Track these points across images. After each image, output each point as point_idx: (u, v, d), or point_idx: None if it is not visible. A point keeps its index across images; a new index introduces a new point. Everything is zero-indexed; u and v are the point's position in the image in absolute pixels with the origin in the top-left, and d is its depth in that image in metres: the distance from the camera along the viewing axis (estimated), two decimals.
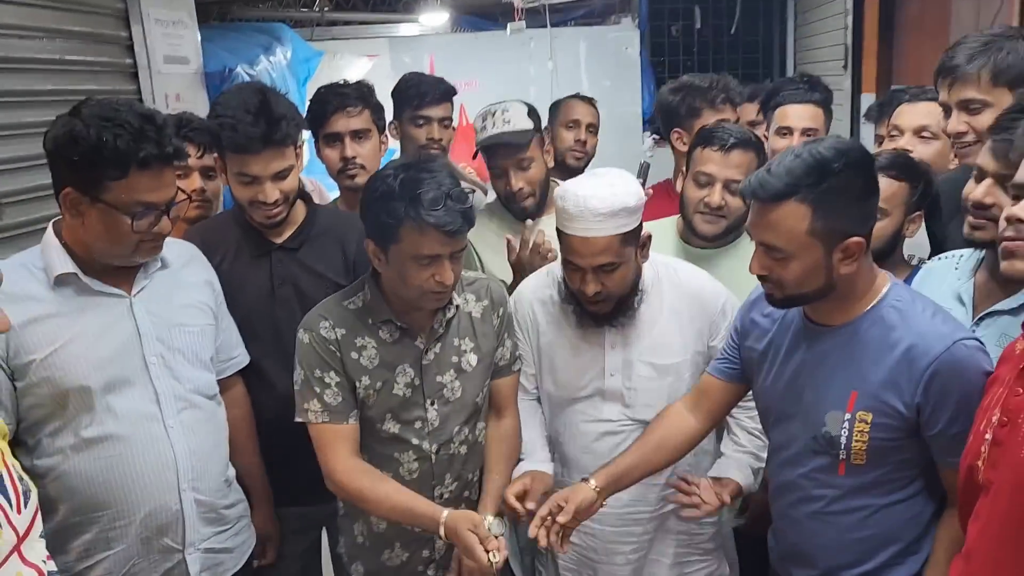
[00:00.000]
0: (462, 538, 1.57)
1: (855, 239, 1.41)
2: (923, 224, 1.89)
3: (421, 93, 2.62)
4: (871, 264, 1.50)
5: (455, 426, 1.78)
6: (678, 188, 2.21)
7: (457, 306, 1.77)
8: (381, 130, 2.38)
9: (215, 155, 2.00)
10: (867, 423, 1.44)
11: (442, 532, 1.60)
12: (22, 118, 2.45)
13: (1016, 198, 1.24)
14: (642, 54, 5.51)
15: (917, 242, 1.91)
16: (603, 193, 1.66)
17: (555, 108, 3.01)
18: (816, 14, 5.03)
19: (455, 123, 2.76)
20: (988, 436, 1.23)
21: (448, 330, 1.77)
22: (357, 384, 1.71)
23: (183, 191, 1.69)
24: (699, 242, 2.11)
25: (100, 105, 1.54)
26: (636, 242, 1.74)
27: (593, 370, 1.84)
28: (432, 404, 1.75)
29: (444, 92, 2.70)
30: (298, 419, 1.73)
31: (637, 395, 1.83)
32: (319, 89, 2.37)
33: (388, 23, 5.53)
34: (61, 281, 1.58)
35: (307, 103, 4.33)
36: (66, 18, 2.62)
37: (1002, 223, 1.28)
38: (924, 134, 2.11)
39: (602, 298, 1.74)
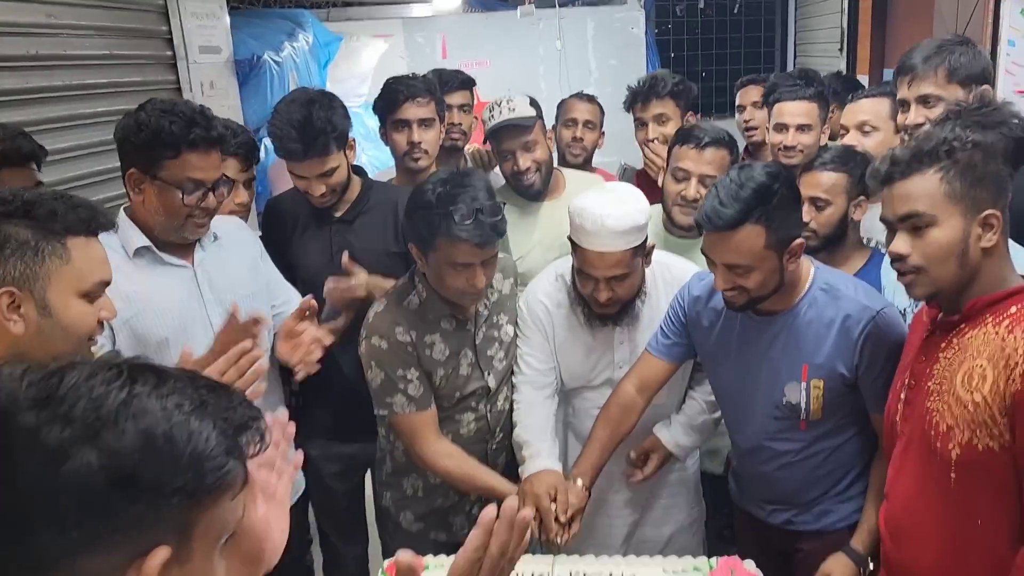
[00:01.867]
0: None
1: (798, 240, 1.68)
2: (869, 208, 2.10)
3: (442, 82, 2.82)
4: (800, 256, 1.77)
5: (503, 388, 2.06)
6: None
7: (498, 291, 2.03)
8: (442, 120, 2.60)
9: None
10: (820, 388, 1.72)
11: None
12: (77, 109, 2.69)
13: (890, 232, 1.43)
14: (648, 33, 5.67)
15: (874, 227, 2.13)
16: (617, 212, 1.81)
17: (560, 107, 3.20)
18: None
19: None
20: (902, 396, 1.49)
21: (491, 310, 2.03)
22: (434, 375, 1.95)
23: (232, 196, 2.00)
24: (679, 232, 2.32)
25: (161, 101, 1.82)
26: (643, 252, 1.92)
27: (604, 362, 2.06)
28: (488, 375, 2.02)
29: (463, 81, 2.94)
30: (380, 412, 1.96)
31: None
32: (390, 79, 2.58)
33: (401, 3, 5.70)
34: (139, 254, 1.83)
35: (327, 84, 4.59)
36: (113, 16, 2.85)
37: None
38: (865, 128, 2.32)
39: (612, 303, 1.94)
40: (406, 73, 2.64)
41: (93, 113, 2.75)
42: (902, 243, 1.39)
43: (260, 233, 2.47)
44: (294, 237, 2.26)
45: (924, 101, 1.95)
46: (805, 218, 2.00)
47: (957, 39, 1.99)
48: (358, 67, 5.12)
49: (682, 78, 2.90)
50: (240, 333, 1.58)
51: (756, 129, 3.12)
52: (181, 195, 1.76)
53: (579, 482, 1.88)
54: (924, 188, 1.35)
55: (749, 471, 1.96)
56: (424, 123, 2.49)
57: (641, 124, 2.85)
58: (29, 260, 1.23)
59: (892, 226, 1.41)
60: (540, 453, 1.95)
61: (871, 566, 1.70)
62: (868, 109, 2.29)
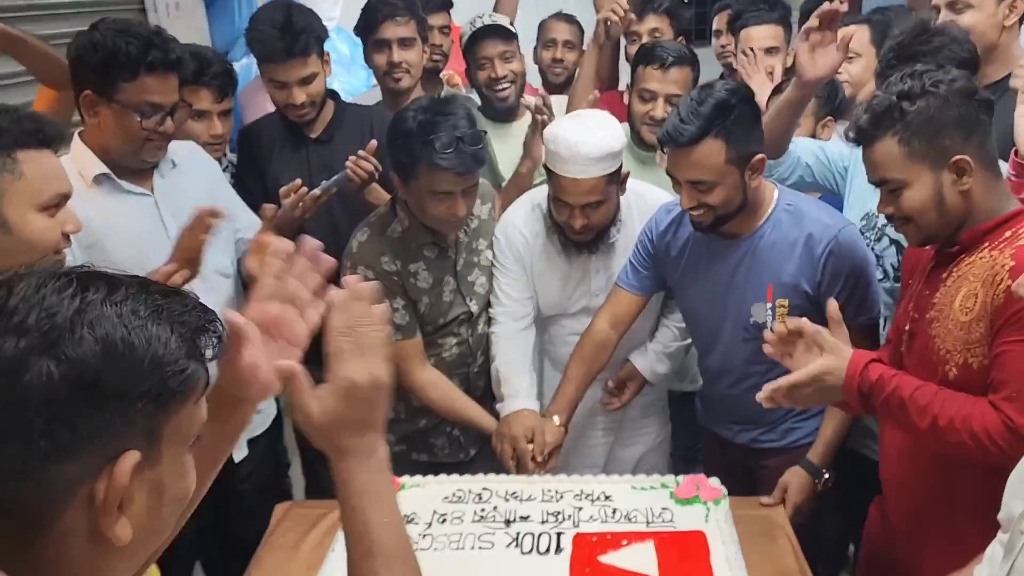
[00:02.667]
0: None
1: (759, 156, 1.71)
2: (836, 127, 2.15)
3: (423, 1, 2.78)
4: (763, 179, 1.80)
5: (484, 313, 2.09)
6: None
7: (476, 216, 2.04)
8: (424, 40, 2.54)
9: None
10: (785, 307, 1.77)
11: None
12: (37, 31, 2.58)
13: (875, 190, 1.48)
14: None
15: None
16: (591, 139, 1.82)
17: (539, 28, 3.17)
18: None
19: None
20: (907, 327, 1.53)
21: (471, 236, 2.05)
22: (419, 303, 1.98)
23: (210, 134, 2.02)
24: (644, 151, 2.37)
25: (115, 21, 1.78)
26: (617, 180, 1.93)
27: (580, 291, 2.10)
28: (471, 300, 2.05)
29: (442, 3, 2.90)
30: None
31: None
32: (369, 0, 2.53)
33: None
34: (98, 181, 1.81)
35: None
36: None
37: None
38: (848, 55, 2.33)
39: (587, 230, 1.95)
40: None
41: (55, 34, 2.64)
42: (884, 203, 1.44)
43: (234, 159, 2.45)
44: (271, 160, 2.26)
45: (953, 6, 1.95)
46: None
47: None
48: None
49: None
50: (198, 231, 1.61)
51: (732, 55, 3.11)
52: (139, 119, 1.74)
53: (556, 419, 1.93)
54: (886, 155, 1.39)
55: (717, 393, 2.02)
56: (404, 42, 2.44)
57: (634, 38, 2.84)
58: None
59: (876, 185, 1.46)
60: (519, 392, 1.98)
61: (826, 475, 1.78)
62: (853, 35, 2.29)
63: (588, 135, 1.84)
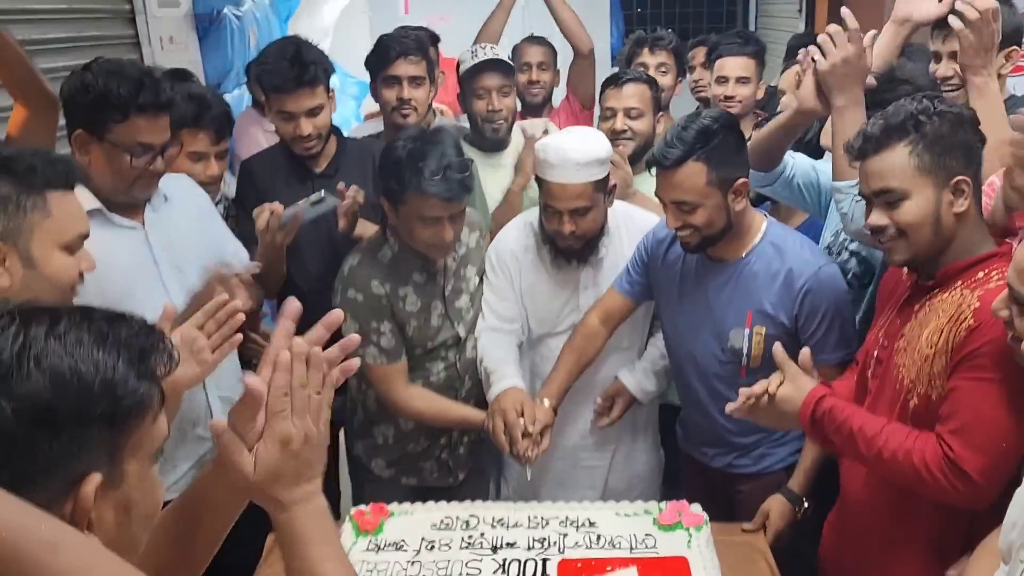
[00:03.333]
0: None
1: (741, 180, 1.79)
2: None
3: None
4: (750, 206, 1.88)
5: (471, 338, 2.15)
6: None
7: (465, 244, 2.11)
8: (432, 81, 2.62)
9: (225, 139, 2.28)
10: (762, 335, 1.84)
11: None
12: (37, 64, 2.65)
13: (869, 206, 1.51)
14: None
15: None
16: (579, 146, 1.94)
17: (513, 52, 3.27)
18: None
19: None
20: (875, 354, 1.59)
21: (459, 263, 2.11)
22: (406, 327, 2.04)
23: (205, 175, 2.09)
24: None
25: (108, 62, 1.81)
26: (605, 189, 2.02)
27: (569, 307, 2.16)
28: (458, 324, 2.11)
29: (428, 38, 2.95)
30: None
31: None
32: (383, 36, 2.61)
33: None
34: (90, 215, 1.82)
35: (287, 35, 4.52)
36: None
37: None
38: None
39: (576, 237, 2.02)
40: (398, 28, 2.69)
41: (52, 68, 2.67)
42: (878, 216, 1.47)
43: (233, 195, 2.48)
44: (275, 194, 2.25)
45: (954, 56, 1.99)
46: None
47: None
48: (319, 21, 5.05)
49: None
50: (217, 290, 1.64)
51: (705, 87, 3.23)
52: (129, 158, 1.77)
53: (546, 402, 2.00)
54: (895, 163, 1.42)
55: (693, 416, 2.07)
56: (414, 81, 2.52)
57: (641, 68, 2.97)
58: (12, 214, 1.25)
59: (869, 200, 1.50)
60: (505, 375, 2.04)
61: (806, 504, 1.83)
62: None
63: (575, 143, 1.96)
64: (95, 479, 0.68)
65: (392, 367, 2.04)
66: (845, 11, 1.75)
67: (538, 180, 2.04)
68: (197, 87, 2.34)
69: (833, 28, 1.73)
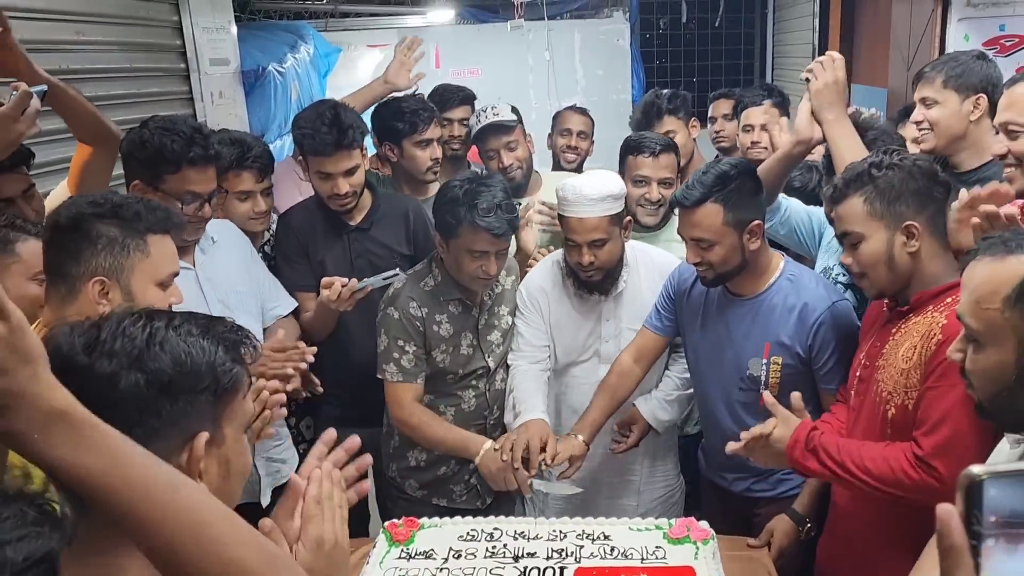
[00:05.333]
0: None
1: (756, 222, 1.95)
2: None
3: (444, 99, 3.07)
4: (767, 246, 2.03)
5: (500, 370, 2.32)
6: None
7: (501, 284, 2.30)
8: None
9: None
10: (779, 364, 1.98)
11: (477, 461, 2.12)
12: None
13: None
14: (632, 45, 5.93)
15: None
16: (593, 183, 2.15)
17: (555, 118, 3.49)
18: (790, 12, 5.49)
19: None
20: (858, 373, 1.75)
21: (494, 301, 2.29)
22: (436, 351, 2.20)
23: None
24: (642, 229, 2.59)
25: (162, 119, 1.99)
26: (620, 223, 2.20)
27: (592, 337, 2.31)
28: (488, 356, 2.28)
29: (464, 97, 3.17)
30: (378, 376, 2.21)
31: None
32: (404, 104, 2.79)
33: (396, 15, 5.94)
34: None
35: (326, 93, 4.80)
36: (133, 31, 3.09)
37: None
38: None
39: (595, 268, 2.18)
40: (425, 89, 2.92)
41: (116, 122, 2.95)
42: (846, 255, 1.70)
43: (271, 243, 2.67)
44: (313, 247, 2.46)
45: (924, 102, 2.19)
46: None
47: (974, 53, 2.25)
48: (356, 76, 5.34)
49: (674, 92, 3.23)
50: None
51: (726, 138, 3.41)
52: (181, 206, 1.95)
53: (579, 437, 2.14)
54: (852, 211, 1.64)
55: (715, 443, 2.18)
56: (440, 141, 2.78)
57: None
58: (117, 254, 1.46)
59: (841, 242, 1.71)
60: (535, 408, 2.17)
61: (809, 525, 1.95)
62: None
63: (590, 181, 2.18)
64: (204, 436, 0.88)
65: (405, 385, 2.20)
66: (833, 54, 2.05)
67: (560, 218, 2.22)
68: (237, 133, 2.53)
69: (824, 56, 2.02)
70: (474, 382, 2.28)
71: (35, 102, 1.62)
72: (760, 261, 2.01)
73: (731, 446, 1.78)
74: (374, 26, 5.87)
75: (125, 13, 3.05)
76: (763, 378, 2.00)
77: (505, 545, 1.90)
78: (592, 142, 3.48)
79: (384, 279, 2.23)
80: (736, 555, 1.89)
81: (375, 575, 1.82)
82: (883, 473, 1.54)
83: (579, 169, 3.36)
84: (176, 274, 1.57)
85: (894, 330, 1.65)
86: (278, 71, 4.08)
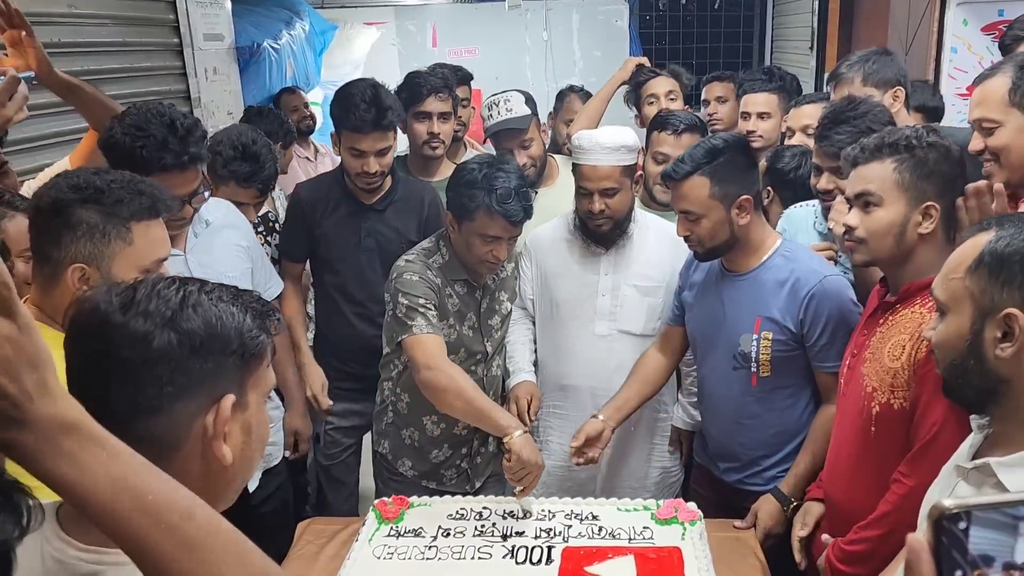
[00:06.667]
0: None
1: (744, 197, 1.94)
2: None
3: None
4: (763, 221, 2.03)
5: (496, 357, 2.32)
6: None
7: (504, 269, 2.30)
8: (456, 115, 2.81)
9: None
10: (769, 340, 1.96)
11: (509, 441, 1.92)
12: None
13: (848, 207, 1.70)
14: (631, 26, 5.90)
15: None
16: (608, 133, 2.21)
17: (559, 100, 3.46)
18: None
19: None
20: (847, 362, 1.75)
21: (496, 286, 2.29)
22: (443, 323, 2.16)
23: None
24: (656, 206, 2.62)
25: (138, 114, 1.86)
26: (632, 176, 2.23)
27: (589, 290, 2.31)
28: (488, 340, 2.28)
29: (461, 77, 3.16)
30: (401, 338, 2.08)
31: (622, 311, 2.32)
32: (414, 73, 2.78)
33: None
34: None
35: (321, 71, 4.75)
36: (126, 5, 3.05)
37: (840, 227, 1.73)
38: (808, 131, 2.57)
39: (605, 217, 2.21)
40: (423, 67, 2.88)
41: (109, 96, 2.94)
42: (853, 217, 1.63)
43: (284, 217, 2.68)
44: (324, 220, 2.45)
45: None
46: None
47: (879, 50, 2.28)
48: (352, 54, 5.33)
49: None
50: None
51: (720, 121, 3.39)
52: None
53: (600, 416, 2.13)
54: (879, 173, 1.59)
55: (711, 430, 2.19)
56: (443, 116, 2.71)
57: (651, 100, 3.16)
58: (97, 241, 1.43)
59: (850, 202, 1.66)
60: (520, 370, 2.30)
61: (794, 504, 1.95)
62: (810, 113, 2.57)
63: (606, 130, 2.25)
64: (231, 399, 0.90)
65: (436, 337, 2.09)
66: None
67: (573, 167, 2.26)
68: (254, 144, 2.46)
69: None
70: (473, 367, 2.27)
71: (23, 87, 1.61)
72: (753, 237, 2.00)
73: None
74: (371, 3, 5.84)
75: None
76: (754, 354, 1.98)
77: (494, 524, 1.91)
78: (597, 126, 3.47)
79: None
80: (723, 536, 1.91)
81: (365, 552, 1.83)
82: (895, 513, 1.55)
83: None
84: (164, 259, 1.54)
85: (881, 321, 1.64)
86: (273, 48, 4.04)
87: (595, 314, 2.33)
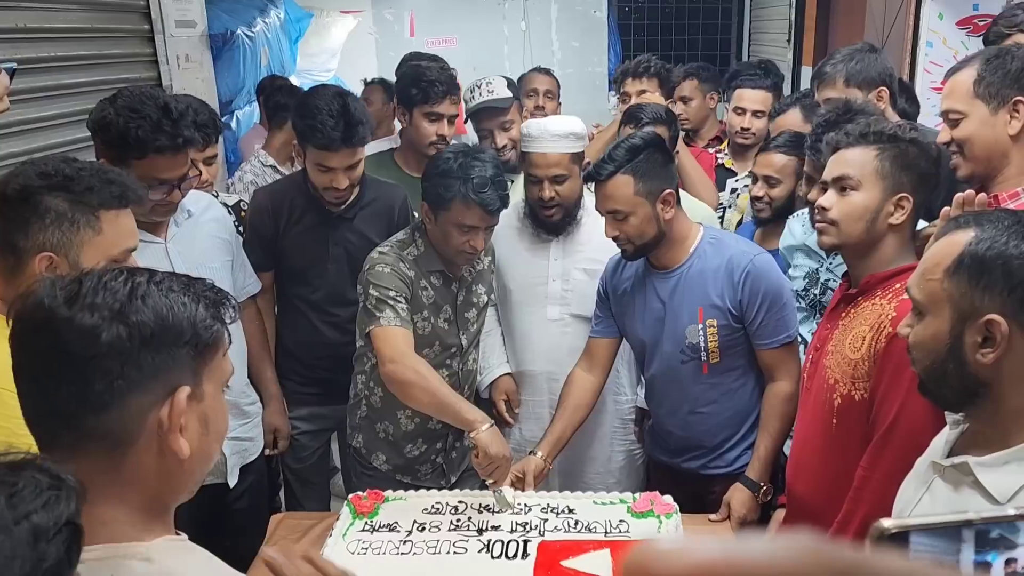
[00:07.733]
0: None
1: (667, 191, 1.97)
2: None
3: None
4: (684, 214, 2.06)
5: (472, 350, 2.30)
6: None
7: (481, 263, 2.28)
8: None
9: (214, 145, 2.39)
10: (714, 327, 2.00)
11: (475, 436, 1.89)
12: (61, 80, 2.83)
13: (822, 190, 1.72)
14: (609, 17, 5.87)
15: None
16: (556, 121, 2.28)
17: (519, 80, 3.44)
18: None
19: None
20: (810, 356, 1.75)
21: (472, 279, 2.27)
22: (417, 316, 2.12)
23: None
24: None
25: (131, 96, 1.85)
26: (580, 163, 2.27)
27: (539, 277, 2.37)
28: (463, 334, 2.25)
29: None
30: (369, 328, 2.03)
31: (573, 295, 2.37)
32: (421, 67, 2.68)
33: None
34: None
35: (297, 60, 4.69)
36: None
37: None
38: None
39: (555, 204, 2.25)
40: (424, 61, 2.77)
41: (76, 83, 2.88)
42: (827, 199, 1.65)
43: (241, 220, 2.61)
44: (288, 229, 2.36)
45: (828, 103, 2.20)
46: (759, 193, 2.39)
47: (864, 47, 2.28)
48: (328, 42, 5.25)
49: (663, 64, 3.24)
50: None
51: (687, 120, 3.39)
52: (147, 189, 1.85)
53: (538, 453, 2.09)
54: (860, 158, 1.62)
55: (663, 423, 2.19)
56: (452, 119, 2.68)
57: (625, 98, 3.17)
58: (66, 230, 1.39)
59: (826, 185, 1.68)
60: (501, 364, 2.42)
61: (763, 487, 1.97)
62: (791, 121, 2.58)
63: (555, 119, 2.36)
64: (185, 390, 0.89)
65: (403, 330, 2.03)
66: None
67: (523, 155, 2.30)
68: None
69: None
70: (448, 361, 2.25)
71: (3, 79, 1.56)
72: (678, 230, 2.04)
73: None
74: None
75: None
76: (702, 344, 2.02)
77: (470, 518, 1.90)
78: (559, 103, 3.47)
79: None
80: (697, 529, 1.91)
81: (339, 547, 1.81)
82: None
83: None
84: (133, 249, 1.50)
85: (843, 314, 1.66)
86: (247, 36, 3.97)
87: (547, 299, 2.37)
